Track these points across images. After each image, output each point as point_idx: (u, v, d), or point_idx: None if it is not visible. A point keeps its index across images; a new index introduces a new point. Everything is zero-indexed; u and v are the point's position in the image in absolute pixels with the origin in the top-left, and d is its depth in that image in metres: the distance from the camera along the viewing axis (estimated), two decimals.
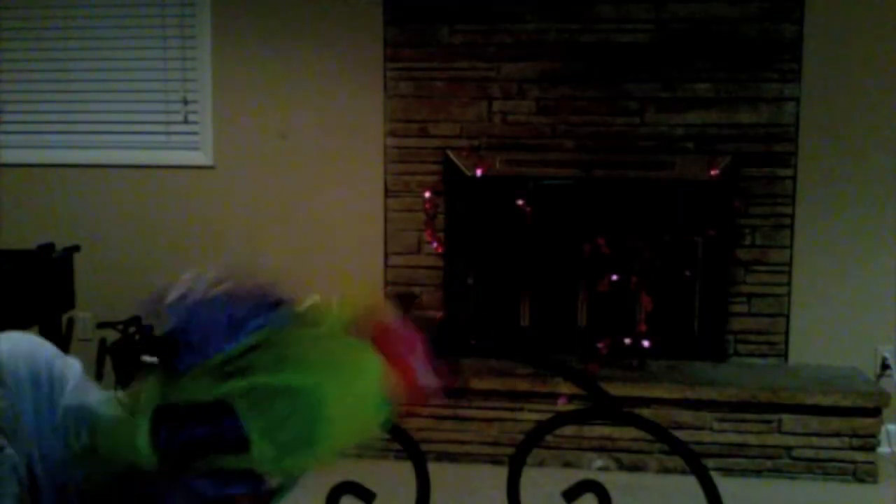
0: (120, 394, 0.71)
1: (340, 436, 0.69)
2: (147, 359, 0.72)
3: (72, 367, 0.93)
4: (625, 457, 3.69)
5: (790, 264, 3.96)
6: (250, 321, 0.70)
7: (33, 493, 0.87)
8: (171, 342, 0.70)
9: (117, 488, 0.71)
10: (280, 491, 0.71)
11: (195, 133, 4.33)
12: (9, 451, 0.84)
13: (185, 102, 4.33)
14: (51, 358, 0.92)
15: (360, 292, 0.73)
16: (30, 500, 0.86)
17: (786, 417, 3.61)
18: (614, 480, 2.91)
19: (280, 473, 0.70)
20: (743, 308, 3.98)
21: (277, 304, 0.73)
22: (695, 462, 1.26)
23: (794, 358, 3.98)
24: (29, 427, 0.87)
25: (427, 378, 0.71)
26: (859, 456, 3.58)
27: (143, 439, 0.67)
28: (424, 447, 1.54)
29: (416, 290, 4.12)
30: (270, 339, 0.69)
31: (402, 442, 1.40)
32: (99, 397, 0.92)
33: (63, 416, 0.89)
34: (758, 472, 3.63)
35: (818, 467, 3.60)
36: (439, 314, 3.99)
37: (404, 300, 0.74)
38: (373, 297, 0.72)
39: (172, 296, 0.72)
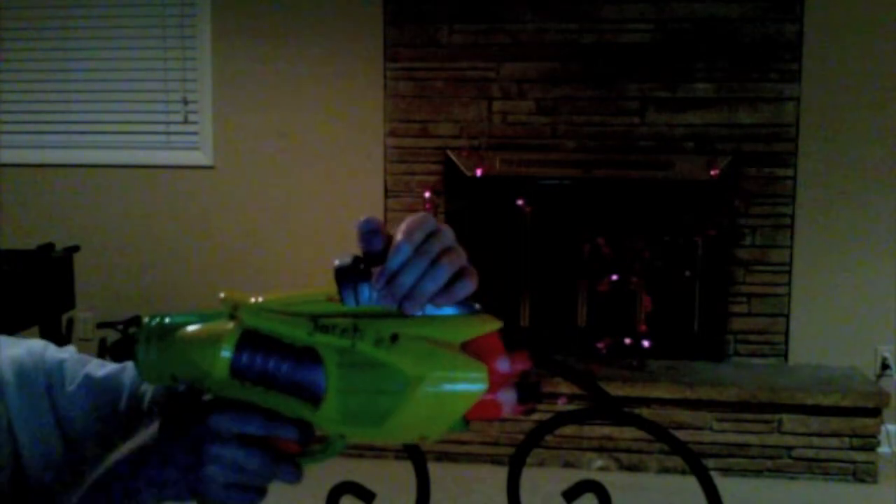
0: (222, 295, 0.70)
1: (410, 427, 0.68)
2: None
3: (66, 351, 0.94)
4: (625, 457, 3.69)
5: (790, 264, 3.96)
6: (365, 287, 0.69)
7: (21, 500, 0.86)
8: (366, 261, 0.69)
9: (173, 399, 0.72)
10: (325, 450, 0.70)
11: (195, 133, 4.33)
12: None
13: (185, 102, 4.33)
14: (40, 350, 0.93)
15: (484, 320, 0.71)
16: None
17: (786, 417, 3.61)
18: (614, 480, 2.91)
19: (334, 435, 0.69)
20: (743, 308, 3.98)
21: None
22: (695, 462, 1.26)
23: (794, 358, 3.98)
24: (19, 431, 0.87)
25: (509, 405, 0.70)
26: (859, 456, 3.58)
27: (227, 351, 0.67)
28: (424, 447, 1.54)
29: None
30: (385, 316, 0.68)
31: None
32: (96, 362, 0.94)
33: (77, 391, 0.90)
34: (758, 472, 3.63)
35: (818, 467, 3.60)
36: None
37: (516, 337, 0.73)
38: (492, 326, 0.71)
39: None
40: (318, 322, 0.67)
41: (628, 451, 3.67)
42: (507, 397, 0.69)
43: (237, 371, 0.68)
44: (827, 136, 3.92)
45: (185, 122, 4.34)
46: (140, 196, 4.40)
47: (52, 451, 0.88)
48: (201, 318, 0.71)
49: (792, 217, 3.95)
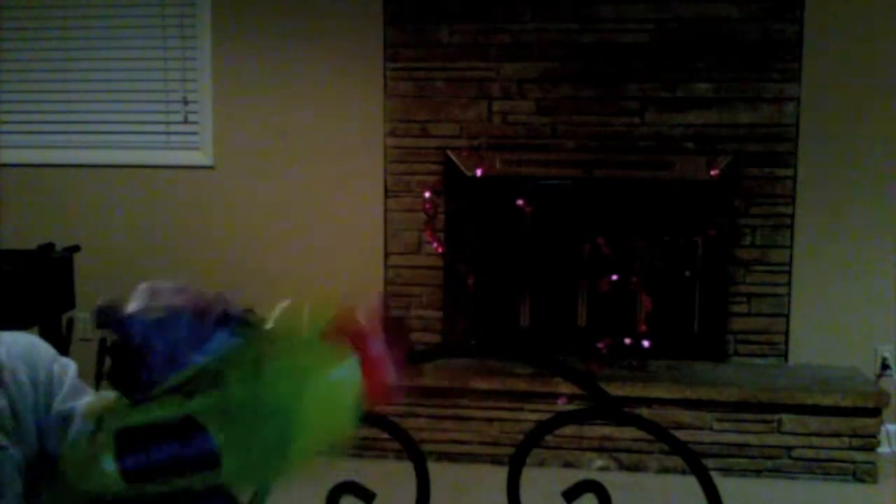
0: (85, 408, 0.69)
1: (312, 443, 0.66)
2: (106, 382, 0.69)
3: (67, 370, 0.93)
4: (625, 457, 3.69)
5: (790, 264, 3.96)
6: (215, 335, 0.67)
7: (36, 493, 0.86)
8: (134, 355, 0.67)
9: None
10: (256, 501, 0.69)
11: (195, 133, 4.33)
12: (11, 451, 0.83)
13: (185, 102, 4.33)
14: (49, 360, 0.93)
15: (331, 296, 0.71)
16: (34, 499, 0.86)
17: (786, 417, 3.61)
18: (614, 480, 2.91)
19: (252, 485, 0.68)
20: (743, 308, 3.98)
21: (241, 317, 0.70)
22: (695, 462, 1.26)
23: (794, 358, 3.98)
24: (30, 426, 0.88)
25: (393, 375, 0.69)
26: (859, 456, 3.58)
27: (108, 464, 0.64)
28: (424, 447, 1.54)
29: (415, 289, 4.11)
30: (240, 353, 0.66)
31: (402, 442, 1.40)
32: (87, 400, 0.92)
33: (56, 419, 0.89)
34: (758, 472, 3.63)
35: (818, 467, 3.60)
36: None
37: (392, 323, 0.71)
38: (345, 301, 0.70)
39: (132, 307, 0.69)
40: (183, 390, 0.65)
41: (628, 451, 3.67)
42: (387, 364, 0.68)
43: (131, 476, 0.65)
44: (827, 136, 3.92)
45: (185, 122, 4.34)
46: (140, 196, 4.40)
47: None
48: (74, 443, 0.69)
49: (792, 217, 3.95)
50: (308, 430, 0.65)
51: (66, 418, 0.89)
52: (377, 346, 0.67)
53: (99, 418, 0.67)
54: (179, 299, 0.69)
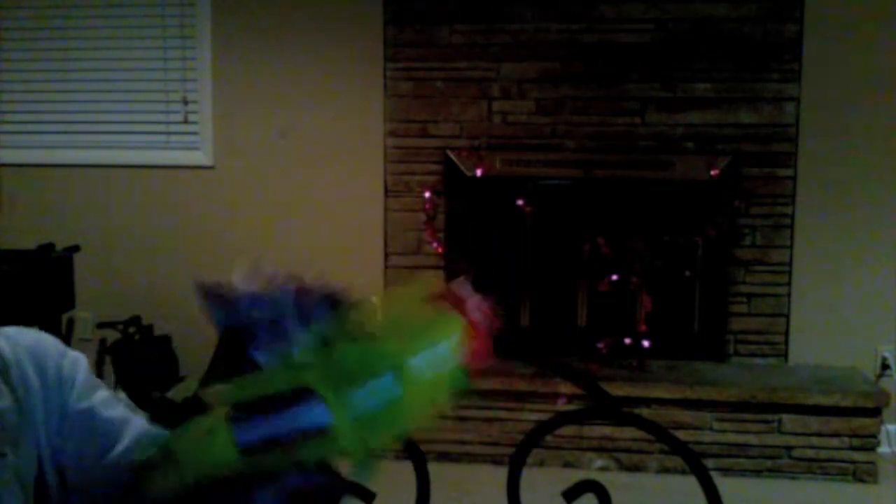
0: (193, 386, 0.70)
1: (420, 401, 0.68)
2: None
3: (78, 364, 0.91)
4: (625, 457, 3.69)
5: (790, 264, 3.96)
6: (319, 310, 0.69)
7: (42, 497, 0.85)
8: (245, 334, 0.68)
9: (196, 496, 0.69)
10: (359, 469, 0.70)
11: (195, 133, 4.33)
12: (11, 458, 0.81)
13: (185, 102, 4.33)
14: (58, 356, 0.90)
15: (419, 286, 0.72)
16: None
17: (786, 417, 3.61)
18: (614, 480, 2.91)
19: (362, 452, 0.68)
20: (743, 308, 3.98)
21: (343, 294, 0.73)
22: (695, 462, 1.26)
23: (794, 358, 3.98)
24: (38, 427, 0.85)
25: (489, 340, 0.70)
26: (859, 456, 3.58)
27: (224, 440, 0.66)
28: (424, 447, 1.54)
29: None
30: (346, 322, 0.68)
31: (402, 442, 1.40)
32: (105, 397, 0.90)
33: (77, 419, 0.87)
34: (758, 472, 3.63)
35: (818, 467, 3.60)
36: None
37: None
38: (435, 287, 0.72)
39: (239, 288, 0.71)
40: (289, 361, 0.67)
41: (628, 451, 3.67)
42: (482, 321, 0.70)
43: (246, 448, 0.66)
44: (827, 136, 3.92)
45: (185, 122, 4.34)
46: (140, 196, 4.40)
47: (54, 456, 0.86)
48: (185, 421, 0.69)
49: (792, 217, 3.95)
50: (417, 389, 0.66)
51: (88, 417, 0.88)
52: (476, 312, 0.69)
53: (200, 398, 0.69)
54: (281, 279, 0.71)
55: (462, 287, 0.71)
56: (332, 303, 0.72)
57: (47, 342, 0.92)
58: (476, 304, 0.70)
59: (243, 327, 0.69)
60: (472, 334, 0.68)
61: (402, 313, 0.69)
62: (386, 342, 0.66)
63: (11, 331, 0.91)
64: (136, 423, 0.90)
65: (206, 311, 0.70)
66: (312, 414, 0.66)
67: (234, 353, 0.69)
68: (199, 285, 0.71)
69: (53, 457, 0.87)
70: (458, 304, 0.69)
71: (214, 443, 0.66)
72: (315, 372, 0.66)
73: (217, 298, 0.71)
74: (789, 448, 3.61)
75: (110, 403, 0.91)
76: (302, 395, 0.66)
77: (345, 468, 0.70)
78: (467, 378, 0.69)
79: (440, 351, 0.67)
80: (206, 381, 0.72)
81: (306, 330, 0.68)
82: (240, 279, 0.72)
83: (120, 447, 0.87)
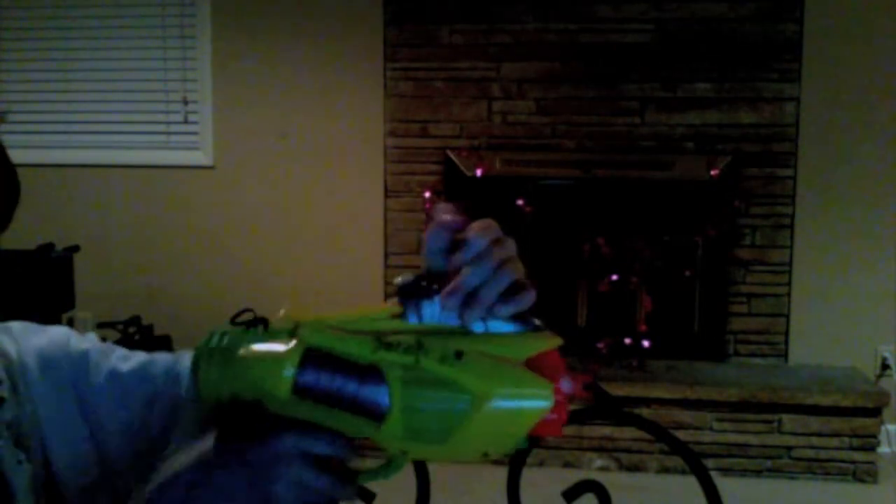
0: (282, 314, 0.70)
1: (473, 445, 0.67)
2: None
3: (88, 340, 0.91)
4: (625, 457, 3.68)
5: (790, 264, 3.96)
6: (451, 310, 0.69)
7: (54, 498, 0.85)
8: (431, 286, 0.69)
9: (233, 417, 0.69)
10: (386, 468, 0.70)
11: (195, 133, 4.33)
12: (26, 465, 0.81)
13: (185, 102, 4.33)
14: (63, 339, 0.90)
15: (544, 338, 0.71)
16: None
17: (786, 417, 3.61)
18: (614, 480, 2.91)
19: (396, 452, 0.69)
20: (743, 308, 3.98)
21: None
22: (695, 462, 1.26)
23: (794, 358, 3.98)
24: (47, 425, 0.84)
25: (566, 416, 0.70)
26: (859, 456, 3.58)
27: (290, 370, 0.66)
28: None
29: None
30: (453, 336, 0.67)
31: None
32: (120, 355, 0.90)
33: (104, 389, 0.86)
34: (758, 472, 3.63)
35: (818, 467, 3.60)
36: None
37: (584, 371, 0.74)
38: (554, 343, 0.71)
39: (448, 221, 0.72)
40: (381, 339, 0.67)
41: (628, 451, 3.67)
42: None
43: (300, 390, 0.67)
44: (827, 136, 3.92)
45: (185, 122, 4.34)
46: (140, 196, 4.40)
47: (80, 449, 0.85)
48: (261, 337, 0.70)
49: (792, 217, 3.95)
50: (476, 431, 0.65)
51: (113, 380, 0.87)
52: (567, 387, 0.69)
53: (296, 325, 0.69)
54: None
55: (564, 359, 0.71)
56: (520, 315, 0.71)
57: (50, 331, 0.91)
58: (571, 379, 0.69)
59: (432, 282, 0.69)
60: (557, 405, 0.67)
61: (504, 356, 0.68)
62: (474, 377, 0.65)
63: (17, 328, 0.90)
64: (161, 357, 0.91)
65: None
66: (375, 396, 0.66)
67: (419, 289, 0.69)
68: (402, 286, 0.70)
69: (97, 451, 0.86)
70: (555, 374, 0.68)
71: (275, 371, 0.67)
72: (397, 361, 0.66)
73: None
74: (789, 448, 3.61)
75: (127, 357, 0.91)
76: (376, 374, 0.66)
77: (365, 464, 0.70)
78: (529, 441, 0.68)
79: (522, 403, 0.66)
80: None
81: (479, 323, 0.68)
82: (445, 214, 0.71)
83: (157, 386, 0.88)
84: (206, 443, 0.69)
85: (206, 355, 0.70)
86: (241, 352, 0.69)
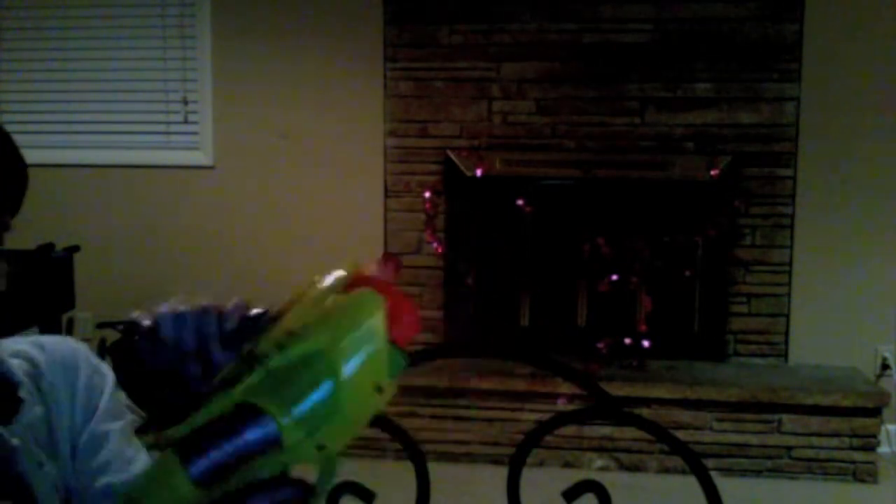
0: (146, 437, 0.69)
1: (362, 387, 0.67)
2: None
3: (105, 383, 0.91)
4: (625, 457, 3.69)
5: (790, 264, 3.96)
6: (243, 333, 0.70)
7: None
8: (179, 371, 0.69)
9: None
10: (322, 475, 0.69)
11: (195, 133, 4.33)
12: (48, 468, 0.81)
13: (185, 102, 4.33)
14: (89, 370, 0.90)
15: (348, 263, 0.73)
16: None
17: (786, 417, 3.61)
18: (614, 480, 2.90)
19: (319, 455, 0.68)
20: (743, 308, 3.98)
21: (259, 317, 0.73)
22: (695, 462, 1.26)
23: (794, 358, 3.98)
24: (63, 438, 0.85)
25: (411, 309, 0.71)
26: (859, 456, 3.58)
27: (179, 478, 0.63)
28: (424, 447, 1.54)
29: (415, 290, 4.11)
30: (269, 330, 0.68)
31: (402, 442, 1.40)
32: (122, 426, 0.89)
33: (90, 438, 0.87)
34: (758, 472, 3.63)
35: (818, 467, 3.60)
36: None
37: (388, 260, 0.74)
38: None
39: (162, 312, 0.72)
40: (225, 382, 0.66)
41: (628, 451, 3.67)
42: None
43: (200, 480, 0.63)
44: (827, 136, 3.92)
45: (185, 122, 4.34)
46: (140, 196, 4.40)
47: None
48: (147, 473, 0.68)
49: (792, 217, 3.95)
50: (355, 378, 0.66)
51: (100, 440, 0.87)
52: (393, 285, 0.70)
53: (157, 435, 0.67)
54: (192, 306, 0.72)
55: (371, 267, 0.72)
56: (254, 321, 0.72)
57: (80, 355, 0.91)
58: (382, 269, 0.70)
59: (175, 366, 0.69)
60: (393, 305, 0.68)
61: (321, 307, 0.68)
62: (310, 338, 0.66)
63: (47, 340, 0.91)
64: (135, 468, 0.89)
65: (139, 353, 0.70)
66: (258, 428, 0.64)
67: (172, 394, 0.69)
68: (127, 326, 0.71)
69: (75, 466, 0.86)
70: (370, 282, 0.69)
71: (171, 484, 0.63)
72: (250, 386, 0.65)
73: (147, 334, 0.70)
74: (789, 448, 3.61)
75: (125, 435, 0.90)
76: (244, 412, 0.64)
77: (308, 474, 0.69)
78: (403, 353, 0.69)
79: (365, 331, 0.67)
80: (146, 427, 0.71)
81: (234, 351, 0.68)
82: (161, 310, 0.72)
83: (110, 479, 0.87)
84: None
85: None
86: (136, 494, 0.66)
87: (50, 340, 0.91)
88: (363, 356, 0.67)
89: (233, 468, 0.64)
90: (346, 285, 0.70)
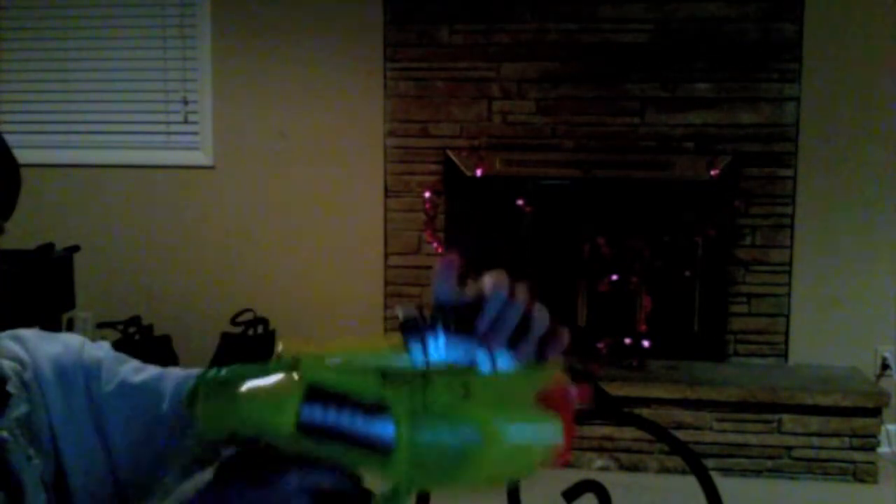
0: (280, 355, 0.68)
1: (481, 477, 0.66)
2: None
3: (101, 349, 0.92)
4: (625, 457, 3.68)
5: (790, 264, 3.96)
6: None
7: (64, 497, 0.85)
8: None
9: (233, 456, 0.68)
10: (392, 500, 0.69)
11: (195, 133, 4.33)
12: (36, 461, 0.81)
13: (185, 102, 4.33)
14: (77, 348, 0.90)
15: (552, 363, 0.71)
16: None
17: (786, 417, 3.60)
18: (614, 480, 2.90)
19: (402, 485, 0.68)
20: (743, 308, 3.98)
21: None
22: (695, 462, 1.26)
23: (794, 358, 3.98)
24: (61, 432, 0.85)
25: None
26: (859, 456, 3.58)
27: (290, 409, 0.64)
28: None
29: (415, 290, 4.11)
30: (459, 372, 0.67)
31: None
32: (132, 366, 0.90)
33: (112, 399, 0.87)
34: (758, 472, 3.63)
35: (818, 467, 3.60)
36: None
37: (585, 375, 0.74)
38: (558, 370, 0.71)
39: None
40: (386, 375, 0.66)
41: (628, 451, 3.67)
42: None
43: (304, 427, 0.65)
44: (827, 136, 3.92)
45: (185, 122, 4.34)
46: (140, 196, 4.40)
47: (92, 457, 0.85)
48: (261, 371, 0.68)
49: (792, 217, 3.95)
50: (484, 466, 0.65)
51: (122, 390, 0.87)
52: (572, 415, 0.69)
53: (297, 360, 0.67)
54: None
55: (572, 388, 0.71)
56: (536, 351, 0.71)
57: (67, 339, 0.91)
58: (576, 393, 0.70)
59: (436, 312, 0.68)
60: (566, 435, 0.68)
61: (509, 395, 0.67)
62: (482, 405, 0.65)
63: (30, 336, 0.91)
64: (172, 374, 0.90)
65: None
66: (380, 429, 0.64)
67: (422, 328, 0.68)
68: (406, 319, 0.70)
69: (108, 459, 0.86)
70: (564, 406, 0.69)
71: (278, 407, 0.65)
72: (404, 395, 0.65)
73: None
74: (789, 448, 3.61)
75: (139, 369, 0.90)
76: (380, 409, 0.65)
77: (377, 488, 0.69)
78: (533, 468, 0.68)
79: (532, 438, 0.67)
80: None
81: (488, 361, 0.67)
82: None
83: (165, 402, 0.87)
84: (205, 479, 0.68)
85: (204, 389, 0.68)
86: (242, 389, 0.67)
87: (31, 337, 0.91)
88: (505, 461, 0.66)
89: (334, 438, 0.65)
90: (546, 389, 0.69)
